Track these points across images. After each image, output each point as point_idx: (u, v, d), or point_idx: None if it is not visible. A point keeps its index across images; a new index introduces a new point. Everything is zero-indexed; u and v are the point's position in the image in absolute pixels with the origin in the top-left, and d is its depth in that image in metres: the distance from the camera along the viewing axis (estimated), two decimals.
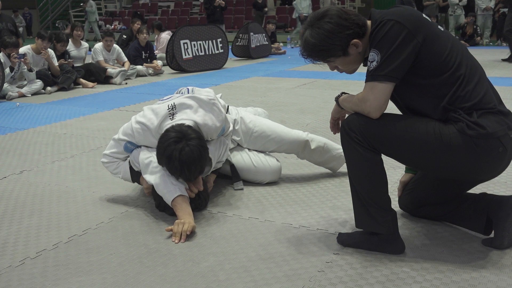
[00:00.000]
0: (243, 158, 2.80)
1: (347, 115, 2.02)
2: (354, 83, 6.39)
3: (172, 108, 2.42)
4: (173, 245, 2.11)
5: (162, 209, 2.43)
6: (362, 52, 1.91)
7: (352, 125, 1.87)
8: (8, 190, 2.85)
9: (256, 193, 2.70)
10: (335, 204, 2.52)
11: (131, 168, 2.56)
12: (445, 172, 1.89)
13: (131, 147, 2.49)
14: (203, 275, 1.86)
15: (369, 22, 1.89)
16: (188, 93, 2.60)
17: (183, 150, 2.17)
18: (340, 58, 1.90)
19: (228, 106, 2.88)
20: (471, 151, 1.75)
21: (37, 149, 3.72)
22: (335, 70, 2.01)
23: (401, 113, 1.97)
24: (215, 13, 11.29)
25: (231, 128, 2.64)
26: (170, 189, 2.30)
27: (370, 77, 1.81)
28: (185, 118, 2.37)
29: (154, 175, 2.35)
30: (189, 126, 2.29)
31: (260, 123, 2.88)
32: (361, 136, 1.85)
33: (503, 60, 8.97)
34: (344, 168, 3.00)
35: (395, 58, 1.76)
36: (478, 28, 13.22)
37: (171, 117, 2.39)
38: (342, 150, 2.90)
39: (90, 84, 6.98)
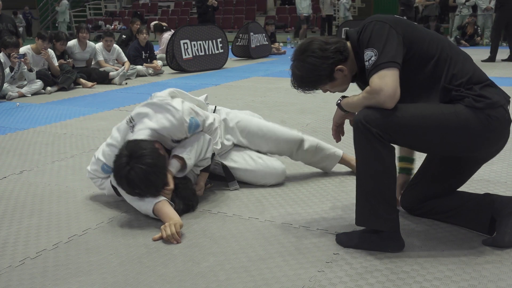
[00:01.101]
0: (247, 162, 2.78)
1: (345, 120, 2.04)
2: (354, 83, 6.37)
3: (130, 120, 2.49)
4: (173, 245, 2.11)
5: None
6: (349, 73, 2.02)
7: (369, 118, 1.85)
8: (8, 190, 2.85)
9: (256, 193, 2.70)
10: (335, 204, 2.52)
11: (114, 186, 2.59)
12: (463, 150, 1.92)
13: (107, 169, 2.52)
14: (203, 275, 1.86)
15: (348, 44, 2.01)
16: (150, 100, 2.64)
17: (129, 174, 2.22)
18: (329, 84, 2.04)
19: (215, 106, 2.88)
20: (485, 122, 1.82)
21: (37, 149, 3.73)
22: (328, 92, 2.15)
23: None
24: (207, 13, 11.17)
25: (209, 121, 2.60)
26: (145, 202, 2.33)
27: (374, 69, 1.83)
28: (142, 128, 2.41)
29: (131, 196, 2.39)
30: (142, 141, 2.31)
31: (256, 122, 2.86)
32: (381, 129, 1.84)
33: (503, 60, 8.98)
34: (341, 167, 3.00)
35: (391, 47, 1.83)
36: (478, 28, 13.21)
37: (131, 129, 2.45)
38: (334, 150, 2.91)
39: (89, 83, 6.98)
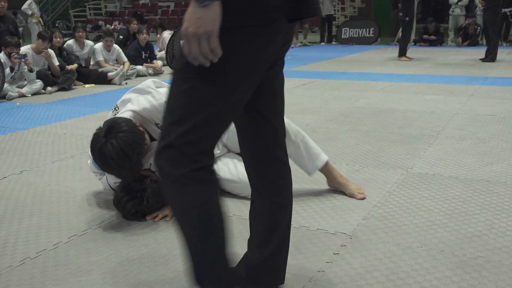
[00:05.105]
0: (230, 170, 2.61)
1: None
2: (354, 83, 6.38)
3: (115, 108, 2.56)
4: (173, 245, 2.11)
5: (131, 218, 2.37)
6: None
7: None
8: (8, 190, 2.85)
9: None
10: (335, 204, 2.52)
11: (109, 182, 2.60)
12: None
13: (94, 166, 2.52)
14: None
15: None
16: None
17: (105, 147, 2.20)
18: None
19: None
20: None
21: (37, 149, 3.73)
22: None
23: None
24: None
25: None
26: None
27: None
28: (124, 110, 2.45)
29: None
30: (121, 118, 2.29)
31: None
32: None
33: (481, 60, 9.06)
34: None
35: None
36: (478, 28, 13.20)
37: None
38: (320, 152, 2.61)
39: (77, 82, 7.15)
